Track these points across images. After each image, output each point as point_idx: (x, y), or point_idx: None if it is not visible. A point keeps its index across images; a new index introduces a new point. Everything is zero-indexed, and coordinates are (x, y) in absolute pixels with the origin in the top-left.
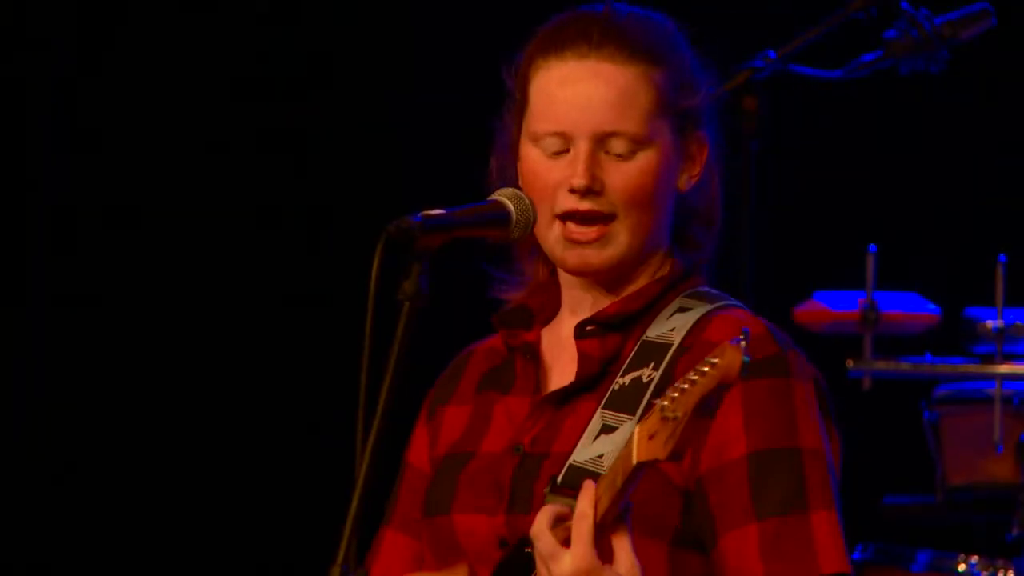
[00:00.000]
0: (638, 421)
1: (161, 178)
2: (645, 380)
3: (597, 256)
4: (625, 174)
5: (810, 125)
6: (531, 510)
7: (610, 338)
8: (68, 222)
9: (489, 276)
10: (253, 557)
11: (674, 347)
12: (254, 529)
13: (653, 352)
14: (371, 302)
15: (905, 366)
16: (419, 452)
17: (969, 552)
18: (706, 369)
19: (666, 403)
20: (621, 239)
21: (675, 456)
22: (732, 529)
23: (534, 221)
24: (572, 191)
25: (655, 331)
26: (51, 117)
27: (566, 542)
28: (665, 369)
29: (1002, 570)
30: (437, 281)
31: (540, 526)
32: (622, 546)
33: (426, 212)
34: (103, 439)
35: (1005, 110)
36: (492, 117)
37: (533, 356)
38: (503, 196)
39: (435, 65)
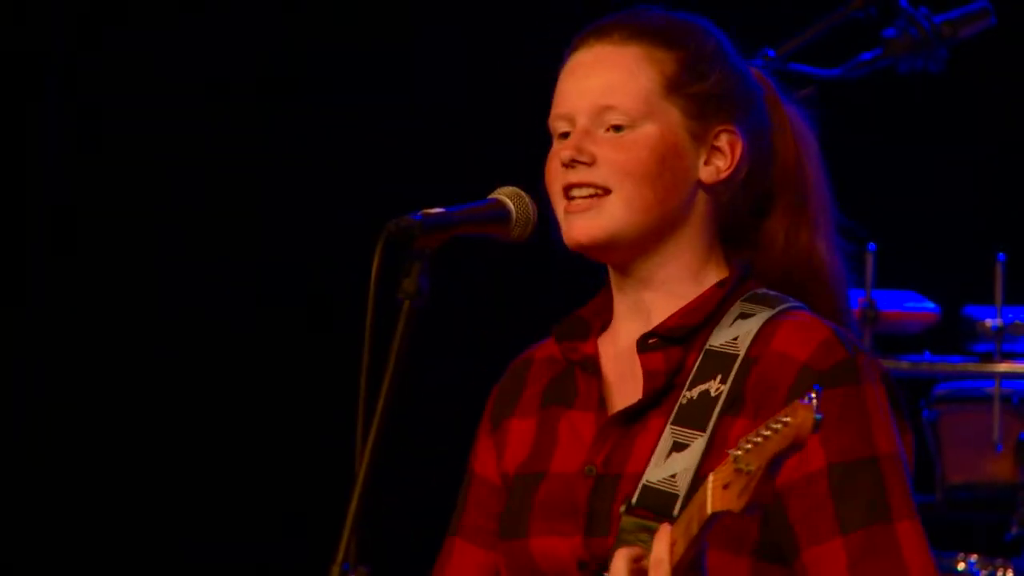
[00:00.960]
0: (711, 438)
1: (161, 178)
2: (713, 394)
3: (588, 225)
4: (617, 146)
5: (809, 124)
6: (609, 533)
7: (673, 351)
8: (68, 222)
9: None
10: (254, 556)
11: (740, 358)
12: (255, 528)
13: (719, 363)
14: (371, 300)
15: (904, 364)
16: (486, 463)
17: (968, 551)
18: (778, 427)
19: (739, 453)
20: (615, 212)
21: (750, 510)
22: (817, 544)
23: (534, 220)
24: (562, 164)
25: (718, 339)
26: (50, 118)
27: None
28: (733, 382)
29: (1001, 569)
30: (437, 280)
31: (618, 570)
32: None
33: (426, 211)
34: (103, 438)
35: (1004, 109)
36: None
37: (595, 371)
38: (503, 195)
39: (435, 64)
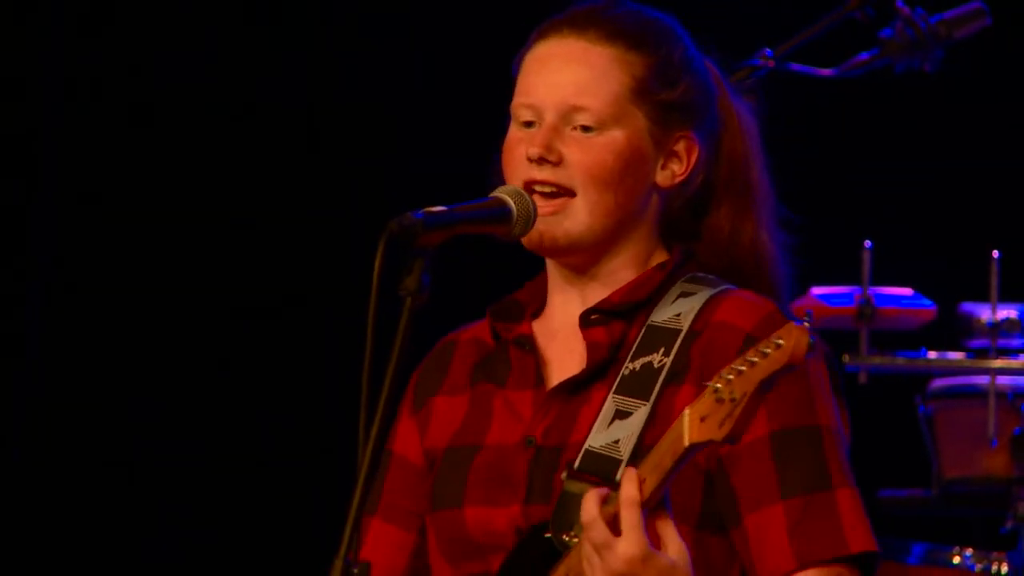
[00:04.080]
0: (654, 407)
1: (160, 178)
2: (656, 365)
3: (553, 229)
4: (585, 148)
5: (807, 123)
6: (550, 500)
7: (615, 325)
8: (68, 222)
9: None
10: (256, 551)
11: (684, 332)
12: (256, 524)
13: (661, 337)
14: (373, 298)
15: (901, 361)
16: (406, 442)
17: (964, 545)
18: (768, 350)
19: (719, 385)
20: (580, 216)
21: (732, 438)
22: (757, 509)
23: (535, 218)
24: (529, 160)
25: (660, 316)
26: (52, 119)
27: (614, 531)
28: (677, 354)
29: (996, 562)
30: (438, 277)
31: (592, 513)
32: (668, 531)
33: (428, 209)
34: (102, 438)
35: (999, 108)
36: (493, 114)
37: (531, 348)
38: (504, 193)
39: (435, 61)
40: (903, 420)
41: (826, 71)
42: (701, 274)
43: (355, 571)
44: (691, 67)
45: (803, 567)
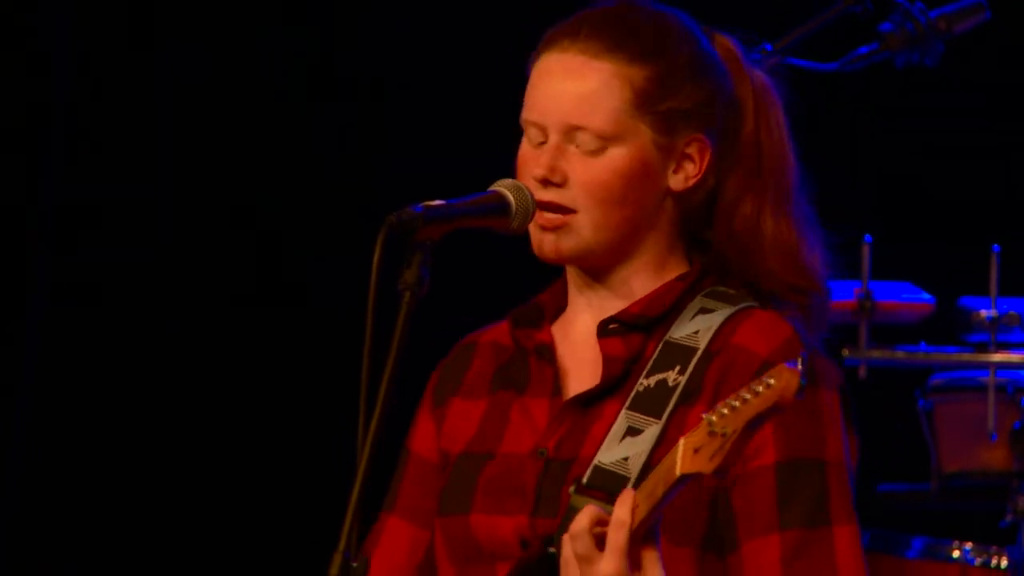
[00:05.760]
0: (665, 426)
1: (159, 176)
2: (671, 384)
3: (554, 244)
4: (589, 169)
5: (806, 117)
6: (556, 514)
7: (632, 338)
8: (68, 225)
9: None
10: (257, 545)
11: (700, 351)
12: (257, 519)
13: (678, 354)
14: (372, 292)
15: (900, 355)
16: (424, 440)
17: (963, 539)
18: (760, 389)
19: (714, 418)
20: (583, 233)
21: (720, 473)
22: (755, 537)
23: (533, 212)
24: (535, 179)
25: (678, 332)
26: (52, 120)
27: (599, 546)
28: (692, 373)
29: (996, 556)
30: (438, 272)
31: (582, 526)
32: (651, 559)
33: (427, 203)
34: (102, 437)
35: (998, 103)
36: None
37: (550, 358)
38: (503, 187)
39: (433, 58)
40: (902, 414)
41: (826, 65)
42: (722, 288)
43: (354, 566)
44: (698, 68)
45: None
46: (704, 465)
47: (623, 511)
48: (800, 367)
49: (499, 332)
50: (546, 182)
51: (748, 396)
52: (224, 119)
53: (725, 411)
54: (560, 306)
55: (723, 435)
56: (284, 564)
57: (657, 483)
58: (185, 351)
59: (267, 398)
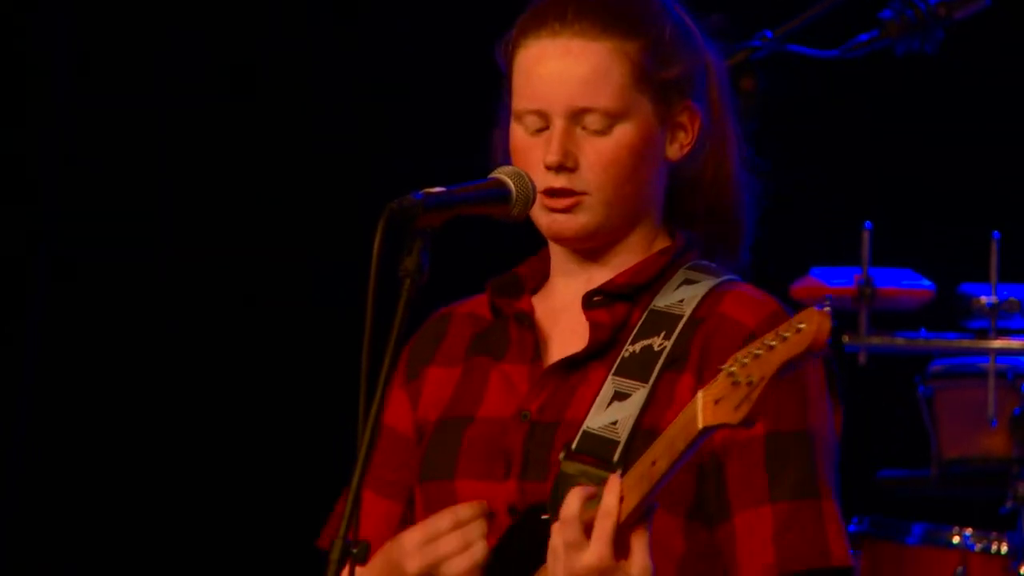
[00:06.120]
0: (652, 390)
1: (159, 176)
2: (656, 349)
3: (569, 223)
4: (600, 149)
5: (807, 104)
6: (546, 478)
7: (618, 307)
8: (68, 225)
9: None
10: (256, 532)
11: (685, 318)
12: (257, 507)
13: (663, 321)
14: (372, 279)
15: (900, 341)
16: (396, 413)
17: (963, 525)
18: (788, 334)
19: (735, 368)
20: (596, 209)
21: (748, 422)
22: (746, 509)
23: (534, 198)
24: (547, 168)
25: (663, 301)
26: (52, 122)
27: (587, 532)
28: (677, 339)
29: (996, 542)
30: (437, 259)
31: (571, 512)
32: (639, 545)
33: (427, 190)
34: (102, 437)
35: (999, 89)
36: (487, 99)
37: (530, 325)
38: (503, 174)
39: (429, 52)
40: (902, 400)
41: (827, 52)
42: (704, 262)
43: (354, 551)
44: (682, 36)
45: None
46: (730, 415)
47: (611, 500)
48: (828, 310)
49: (476, 304)
50: (560, 168)
51: (774, 343)
52: (224, 119)
53: (747, 360)
54: (539, 278)
55: (749, 384)
56: (284, 563)
57: (676, 438)
58: (185, 351)
59: (267, 398)
